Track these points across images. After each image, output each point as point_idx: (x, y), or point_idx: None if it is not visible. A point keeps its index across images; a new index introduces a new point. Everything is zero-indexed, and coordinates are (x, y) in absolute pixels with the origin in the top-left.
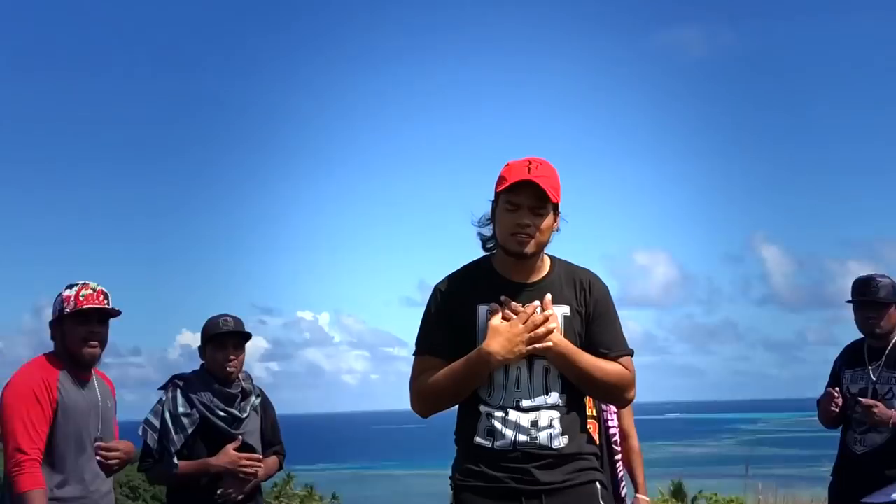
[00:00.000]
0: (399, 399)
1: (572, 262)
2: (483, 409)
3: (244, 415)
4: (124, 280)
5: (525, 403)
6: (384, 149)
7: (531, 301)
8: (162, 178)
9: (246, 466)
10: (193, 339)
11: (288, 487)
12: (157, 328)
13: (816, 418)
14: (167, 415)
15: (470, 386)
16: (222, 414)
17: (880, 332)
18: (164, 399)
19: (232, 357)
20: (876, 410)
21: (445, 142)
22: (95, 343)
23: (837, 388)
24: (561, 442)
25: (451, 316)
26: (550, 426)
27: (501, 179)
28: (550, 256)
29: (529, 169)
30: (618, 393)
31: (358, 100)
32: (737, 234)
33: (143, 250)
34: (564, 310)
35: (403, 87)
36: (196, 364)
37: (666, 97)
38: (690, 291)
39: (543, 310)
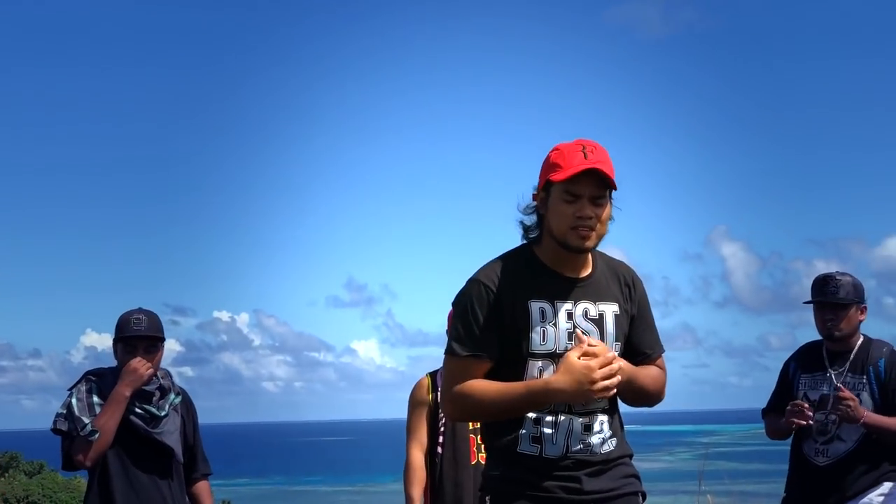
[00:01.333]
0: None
1: (605, 252)
2: (533, 413)
3: (162, 413)
4: (21, 276)
5: (578, 407)
6: (309, 141)
7: (584, 298)
8: (66, 170)
9: (139, 368)
10: (99, 341)
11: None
12: (59, 328)
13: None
14: (78, 398)
15: (524, 413)
16: (138, 411)
17: (839, 334)
18: (74, 392)
19: (146, 358)
20: (853, 403)
21: (375, 132)
22: None
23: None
24: (610, 445)
25: (500, 313)
26: (601, 430)
27: (554, 167)
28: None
29: (585, 154)
30: (659, 397)
31: (280, 96)
32: (696, 230)
33: (43, 243)
34: (614, 307)
35: (329, 77)
36: (101, 366)
37: (620, 80)
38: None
39: (576, 336)
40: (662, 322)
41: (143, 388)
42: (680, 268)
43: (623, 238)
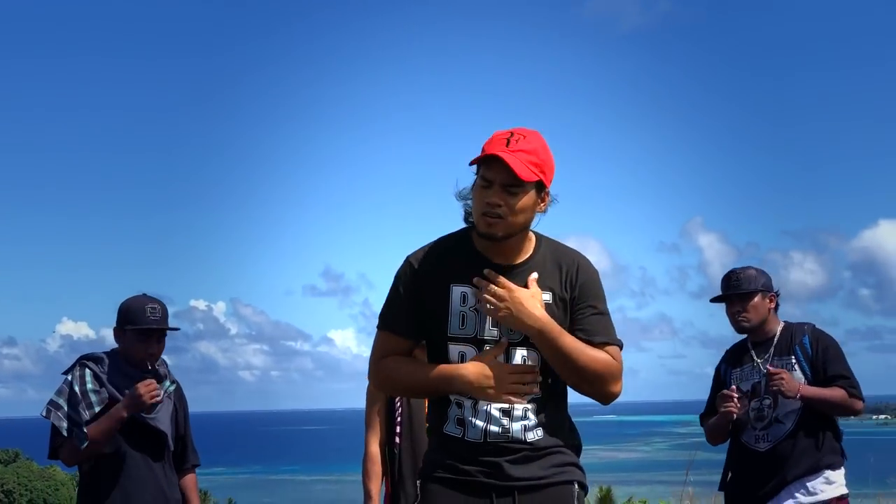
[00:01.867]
0: (302, 398)
1: (561, 241)
2: (454, 396)
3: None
4: None
5: None
6: (287, 133)
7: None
8: (41, 158)
9: (146, 394)
10: (75, 329)
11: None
12: (34, 316)
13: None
14: (75, 390)
15: (431, 395)
16: None
17: (748, 325)
18: (69, 378)
19: (154, 351)
20: (785, 376)
21: (353, 124)
22: None
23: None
24: (535, 434)
25: (421, 293)
26: (525, 417)
27: (480, 151)
28: (537, 234)
29: (509, 142)
30: (603, 385)
31: (259, 92)
32: (673, 221)
33: (18, 230)
34: (545, 295)
35: (311, 69)
36: (77, 356)
37: (597, 72)
38: (622, 283)
39: (528, 287)
40: (639, 313)
41: (140, 373)
42: (656, 258)
43: (600, 229)
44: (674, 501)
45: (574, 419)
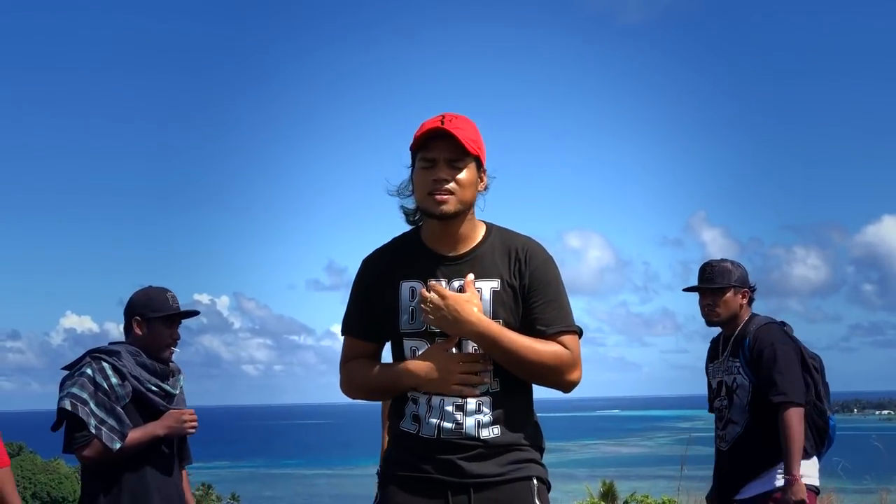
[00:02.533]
0: (305, 392)
1: (512, 229)
2: (410, 392)
3: (175, 391)
4: (1, 257)
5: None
6: (290, 129)
7: (456, 276)
8: (49, 156)
9: (188, 422)
10: (79, 323)
11: None
12: (38, 310)
13: None
14: (101, 385)
15: (393, 393)
16: (155, 389)
17: (717, 319)
18: (89, 372)
19: (178, 337)
20: (794, 499)
21: (356, 117)
22: None
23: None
24: (491, 431)
25: (374, 293)
26: (479, 412)
27: (414, 139)
28: (487, 224)
29: (443, 122)
30: (555, 377)
31: (263, 90)
32: (676, 216)
33: (24, 225)
34: (493, 283)
35: (312, 64)
36: (81, 349)
37: (600, 67)
38: (626, 277)
39: (464, 290)
40: (642, 307)
41: (159, 365)
42: (660, 253)
43: (603, 224)
44: (683, 497)
45: (578, 414)
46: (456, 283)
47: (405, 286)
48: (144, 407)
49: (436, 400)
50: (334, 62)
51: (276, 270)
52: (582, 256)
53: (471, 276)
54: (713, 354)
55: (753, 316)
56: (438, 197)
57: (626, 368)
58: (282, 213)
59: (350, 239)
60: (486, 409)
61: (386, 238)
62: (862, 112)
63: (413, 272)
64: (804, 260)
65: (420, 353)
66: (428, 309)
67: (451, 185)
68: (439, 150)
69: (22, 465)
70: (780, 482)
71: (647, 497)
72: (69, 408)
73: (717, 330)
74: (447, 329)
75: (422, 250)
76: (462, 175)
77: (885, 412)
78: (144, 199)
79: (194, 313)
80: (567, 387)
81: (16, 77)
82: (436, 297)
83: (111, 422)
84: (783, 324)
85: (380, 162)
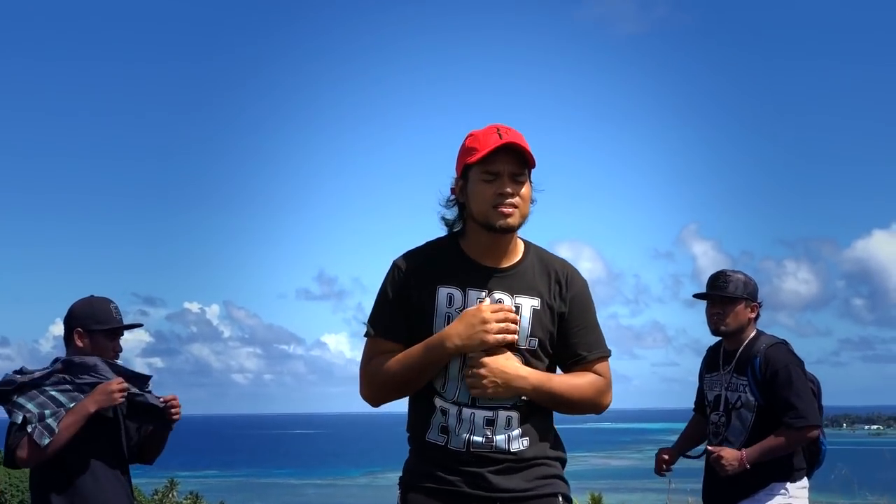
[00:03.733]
0: (295, 402)
1: (546, 249)
2: (438, 402)
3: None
4: None
5: (482, 400)
6: (281, 138)
7: (499, 288)
8: (41, 162)
9: (116, 392)
10: None
11: (172, 495)
12: (27, 317)
13: None
14: (44, 395)
15: (424, 375)
16: (138, 392)
17: (725, 329)
18: (50, 384)
19: (120, 350)
20: (723, 461)
21: (347, 128)
22: None
23: (666, 456)
24: (520, 444)
25: (408, 297)
26: (509, 426)
27: (471, 150)
28: (524, 241)
29: (500, 135)
30: (594, 406)
31: (255, 95)
32: (667, 229)
33: (14, 231)
34: (534, 302)
35: (304, 73)
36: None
37: (594, 78)
38: (616, 290)
39: (495, 350)
40: (633, 320)
41: (137, 372)
42: (651, 266)
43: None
44: None
45: (567, 426)
46: (496, 296)
47: (443, 291)
48: (138, 412)
49: (466, 412)
50: (327, 70)
51: (267, 279)
52: None
53: (487, 301)
54: (711, 365)
55: (759, 333)
56: (504, 210)
57: (615, 381)
58: (272, 222)
59: (340, 249)
60: (514, 424)
61: (375, 248)
62: (854, 128)
63: (453, 279)
64: (795, 274)
65: (451, 365)
66: (473, 382)
67: (516, 200)
68: (503, 164)
69: (10, 473)
70: (773, 502)
71: None
72: (9, 415)
73: (710, 338)
74: (501, 395)
75: (462, 259)
76: (524, 189)
77: (875, 427)
78: (134, 208)
79: (137, 326)
80: (601, 411)
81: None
82: (477, 369)
83: (48, 419)
84: (786, 343)
85: (372, 172)
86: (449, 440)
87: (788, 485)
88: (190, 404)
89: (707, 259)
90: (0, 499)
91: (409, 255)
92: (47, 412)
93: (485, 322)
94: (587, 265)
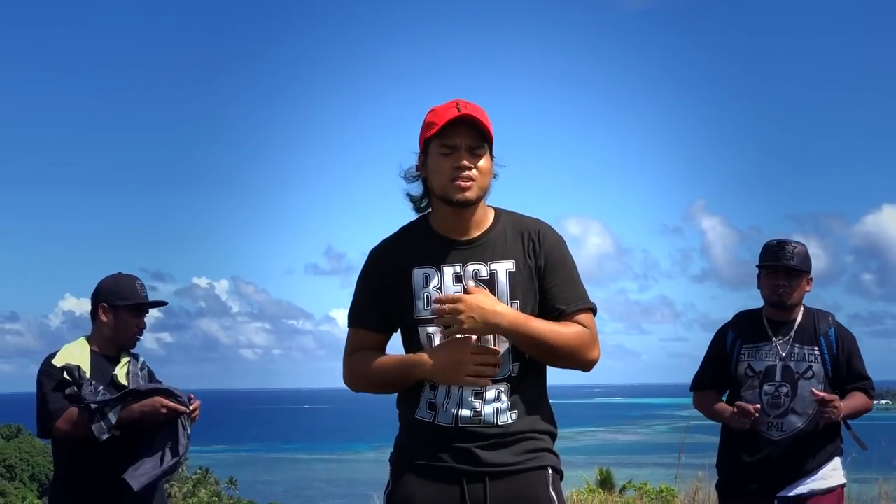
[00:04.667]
0: (303, 377)
1: (521, 213)
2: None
3: (123, 381)
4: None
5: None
6: (290, 112)
7: (473, 259)
8: (48, 137)
9: (161, 410)
10: (77, 305)
11: (181, 469)
12: (36, 292)
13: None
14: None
15: (399, 387)
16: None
17: (791, 302)
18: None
19: (144, 326)
20: (839, 406)
21: (357, 102)
22: None
23: (753, 391)
24: (508, 417)
25: (384, 283)
26: (498, 399)
27: (429, 125)
28: (495, 208)
29: (459, 108)
30: (579, 357)
31: (268, 61)
32: (676, 204)
33: (23, 207)
34: (509, 265)
35: (314, 49)
36: (80, 332)
37: (602, 54)
38: (625, 265)
39: (467, 291)
40: (641, 295)
41: (129, 348)
42: (659, 241)
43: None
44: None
45: (575, 401)
46: (470, 268)
47: (418, 273)
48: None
49: (455, 388)
50: (336, 47)
51: (275, 255)
52: (581, 243)
53: (471, 280)
54: (753, 335)
55: (807, 306)
56: (461, 183)
57: (624, 356)
58: (281, 197)
59: (349, 224)
60: (504, 397)
61: (384, 223)
62: (863, 102)
63: (426, 258)
64: None
65: (434, 344)
66: (448, 319)
67: (473, 172)
68: (460, 137)
69: (20, 448)
70: (832, 482)
71: (645, 485)
72: (47, 377)
73: (720, 313)
74: (476, 331)
75: (432, 237)
76: (482, 162)
77: (884, 402)
78: (143, 183)
79: (162, 303)
80: (588, 366)
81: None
82: (452, 304)
83: (109, 413)
84: None
85: (379, 147)
86: (437, 416)
87: (838, 459)
88: (199, 379)
89: (715, 234)
90: (11, 473)
91: (383, 244)
92: (109, 405)
93: (462, 363)
94: (596, 240)
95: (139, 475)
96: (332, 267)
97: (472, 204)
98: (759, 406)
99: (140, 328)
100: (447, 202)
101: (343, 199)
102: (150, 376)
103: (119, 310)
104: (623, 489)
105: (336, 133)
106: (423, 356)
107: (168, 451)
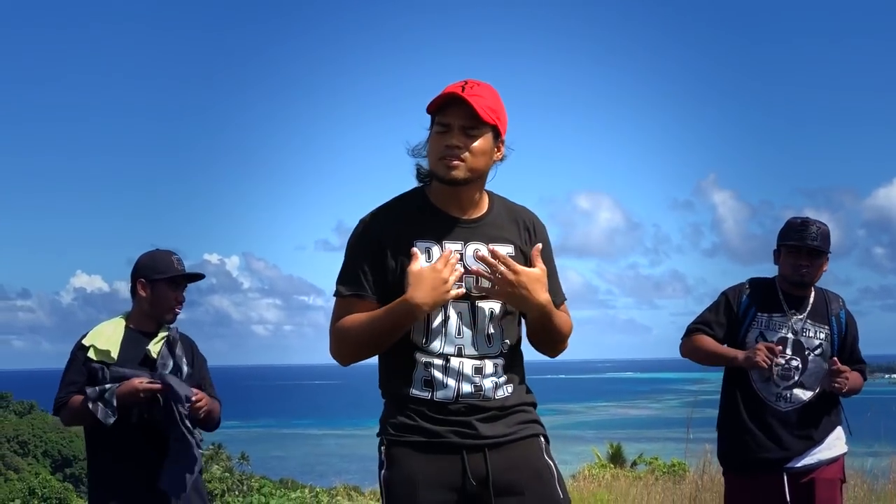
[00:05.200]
0: (314, 353)
1: (508, 198)
2: (420, 357)
3: (154, 356)
4: (11, 216)
5: (469, 350)
6: (302, 83)
7: (474, 239)
8: (60, 114)
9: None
10: (89, 282)
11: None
12: (48, 269)
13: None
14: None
15: (392, 338)
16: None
17: (811, 282)
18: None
19: (182, 300)
20: (849, 377)
21: (368, 76)
22: None
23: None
24: (505, 391)
25: (382, 253)
26: (495, 373)
27: (431, 102)
28: (489, 192)
29: (464, 88)
30: (563, 346)
31: (279, 37)
32: (687, 178)
33: (34, 184)
34: (508, 249)
35: (326, 27)
36: (91, 309)
37: (614, 32)
38: (636, 240)
39: (535, 266)
40: (652, 270)
41: (168, 324)
42: (670, 216)
43: (614, 185)
44: (684, 459)
45: (586, 376)
46: (471, 247)
47: (420, 245)
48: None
49: (454, 362)
50: (347, 24)
51: (286, 231)
52: (592, 218)
53: (539, 256)
54: (768, 305)
55: (819, 287)
56: (448, 162)
57: (635, 331)
58: (291, 173)
59: (359, 200)
60: (500, 371)
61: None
62: (874, 74)
63: (427, 233)
64: None
65: (408, 280)
66: (508, 276)
67: (462, 153)
68: (455, 117)
69: (33, 424)
70: (837, 451)
71: (656, 459)
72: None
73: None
74: (512, 300)
75: (433, 211)
76: (476, 143)
77: (894, 375)
78: (154, 158)
79: (199, 276)
80: (557, 354)
81: (22, 32)
82: (508, 272)
83: (107, 395)
84: None
85: (390, 122)
86: (434, 392)
87: (840, 428)
88: (210, 356)
89: (726, 208)
90: (24, 449)
91: (379, 212)
92: (107, 387)
93: (445, 282)
94: (606, 215)
95: (174, 485)
96: (342, 243)
97: (460, 184)
98: (778, 345)
99: (179, 301)
100: (437, 179)
101: (354, 175)
102: (193, 350)
103: (157, 283)
104: (634, 464)
105: (348, 110)
106: (410, 296)
107: (186, 450)
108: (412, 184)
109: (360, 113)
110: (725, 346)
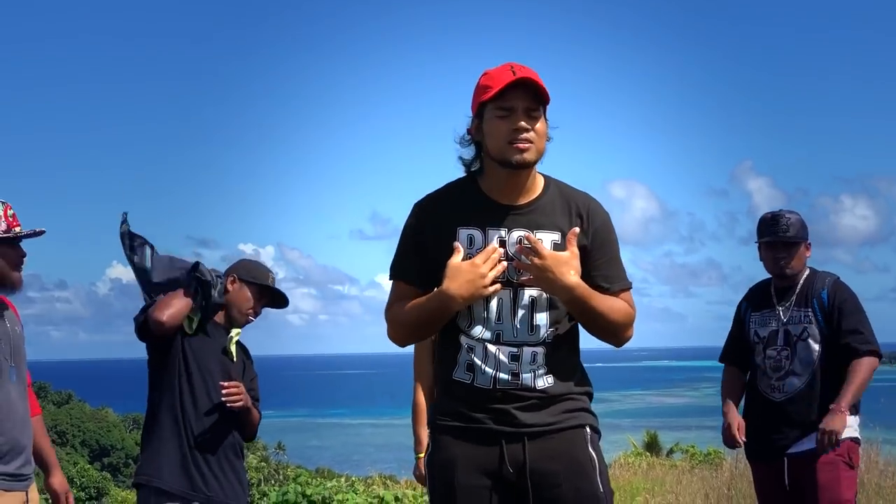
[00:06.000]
0: (350, 342)
1: (570, 184)
2: (464, 340)
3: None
4: (49, 207)
5: (508, 337)
6: (334, 76)
7: (519, 226)
8: (97, 103)
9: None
10: (125, 273)
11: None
12: (84, 260)
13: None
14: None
15: (435, 326)
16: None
17: (791, 272)
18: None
19: (259, 312)
20: (837, 431)
21: (399, 67)
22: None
23: (740, 426)
24: (546, 381)
25: (428, 238)
26: (534, 362)
27: (484, 88)
28: (544, 176)
29: (514, 71)
30: (621, 333)
31: (310, 31)
32: (722, 166)
33: (71, 174)
34: (554, 236)
35: (362, 11)
36: (127, 299)
37: (648, 19)
38: (671, 228)
39: (528, 243)
40: (688, 258)
41: (241, 325)
42: (705, 203)
43: (648, 173)
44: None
45: (621, 365)
46: (516, 233)
47: (463, 233)
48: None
49: (491, 349)
50: (384, 10)
51: (320, 221)
52: (627, 206)
53: (575, 232)
54: (761, 303)
55: (813, 269)
56: (520, 145)
57: (670, 319)
58: (326, 163)
59: (394, 189)
60: (540, 360)
61: (429, 188)
62: None
63: (472, 219)
64: (852, 210)
65: (445, 272)
66: (528, 265)
67: (531, 135)
68: (517, 100)
69: (71, 414)
70: (842, 435)
71: (692, 447)
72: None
73: (766, 274)
74: (543, 287)
75: (480, 198)
76: (539, 125)
77: None
78: (189, 150)
79: (284, 302)
80: (623, 342)
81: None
82: (538, 258)
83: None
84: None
85: (425, 112)
86: (475, 378)
87: (850, 418)
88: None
89: (762, 196)
90: (62, 439)
91: (429, 198)
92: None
93: (483, 277)
94: (641, 203)
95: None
96: (377, 232)
97: (530, 166)
98: (744, 440)
99: (255, 311)
100: (504, 164)
101: (388, 165)
102: (245, 362)
103: (245, 284)
104: (670, 452)
105: (382, 99)
106: (447, 289)
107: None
108: (447, 173)
109: (395, 103)
110: (732, 395)
